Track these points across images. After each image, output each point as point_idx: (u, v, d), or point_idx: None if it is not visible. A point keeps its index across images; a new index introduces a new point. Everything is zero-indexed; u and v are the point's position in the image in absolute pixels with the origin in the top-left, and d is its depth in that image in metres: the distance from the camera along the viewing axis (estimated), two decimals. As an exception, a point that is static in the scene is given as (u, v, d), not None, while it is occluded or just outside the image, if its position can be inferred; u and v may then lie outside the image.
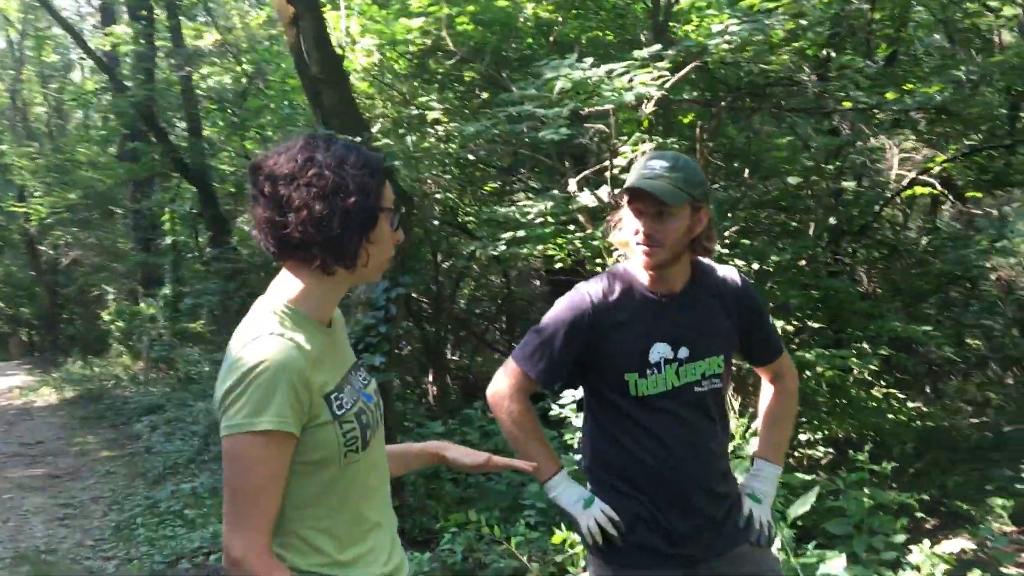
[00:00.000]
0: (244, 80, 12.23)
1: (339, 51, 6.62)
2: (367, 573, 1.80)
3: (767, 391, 2.63)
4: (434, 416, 8.24)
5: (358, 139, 5.94)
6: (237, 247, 11.73)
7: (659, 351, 2.35)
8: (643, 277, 2.40)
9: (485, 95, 7.80)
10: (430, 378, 11.19)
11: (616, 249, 5.76)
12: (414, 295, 9.17)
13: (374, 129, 6.68)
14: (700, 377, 2.38)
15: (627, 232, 2.36)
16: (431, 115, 6.75)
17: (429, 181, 8.10)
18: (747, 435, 3.84)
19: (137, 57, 11.99)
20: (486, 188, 9.12)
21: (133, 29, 11.96)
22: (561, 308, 2.43)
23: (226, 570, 1.68)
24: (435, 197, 8.46)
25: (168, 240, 14.41)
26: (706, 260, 2.48)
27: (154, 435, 10.49)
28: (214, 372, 12.34)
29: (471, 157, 7.36)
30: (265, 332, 1.67)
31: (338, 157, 1.73)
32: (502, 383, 2.49)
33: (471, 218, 8.65)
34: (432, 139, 6.68)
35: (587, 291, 2.41)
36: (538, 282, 12.65)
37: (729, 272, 2.50)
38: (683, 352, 2.36)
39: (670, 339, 2.35)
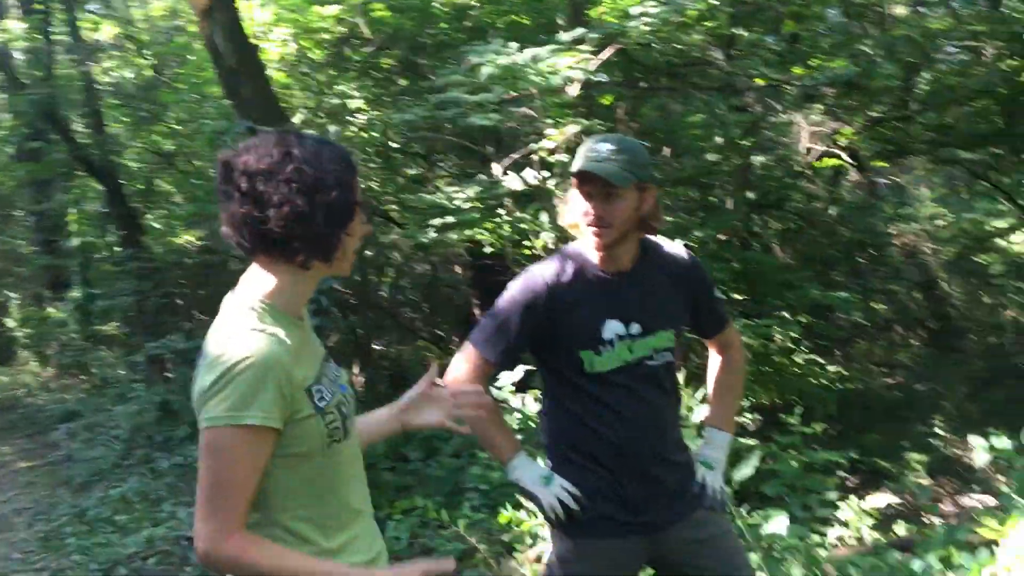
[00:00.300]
0: (149, 73, 11.88)
1: (254, 42, 6.52)
2: (354, 560, 1.82)
3: (715, 362, 2.73)
4: (364, 408, 8.21)
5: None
6: (150, 246, 11.41)
7: (612, 328, 2.42)
8: (593, 257, 2.46)
9: (404, 82, 7.78)
10: (356, 369, 11.15)
11: (544, 231, 5.85)
12: (336, 285, 9.11)
13: (294, 120, 6.61)
14: (652, 351, 2.45)
15: (576, 214, 2.41)
16: (352, 104, 6.70)
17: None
18: (691, 405, 3.97)
19: (33, 52, 11.52)
20: (407, 175, 9.09)
21: (28, 23, 11.49)
22: (515, 290, 2.47)
23: (199, 561, 1.70)
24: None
25: (75, 241, 13.92)
26: (654, 237, 2.57)
27: (74, 442, 10.18)
28: (131, 375, 12.06)
29: (394, 145, 7.34)
30: (246, 328, 1.68)
31: (314, 152, 1.73)
32: (460, 368, 2.52)
33: (394, 206, 8.62)
34: (354, 128, 6.64)
35: (540, 272, 2.46)
36: (460, 268, 12.69)
37: (676, 248, 2.59)
38: (635, 328, 2.43)
39: (622, 316, 2.42)
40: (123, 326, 13.79)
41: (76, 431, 10.65)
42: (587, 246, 2.46)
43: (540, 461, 2.64)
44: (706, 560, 2.47)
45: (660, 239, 2.59)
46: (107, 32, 12.24)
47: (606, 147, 2.34)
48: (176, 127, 10.82)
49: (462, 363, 2.52)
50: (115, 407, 11.01)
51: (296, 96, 7.56)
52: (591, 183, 2.34)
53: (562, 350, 2.44)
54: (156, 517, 6.89)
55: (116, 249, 12.78)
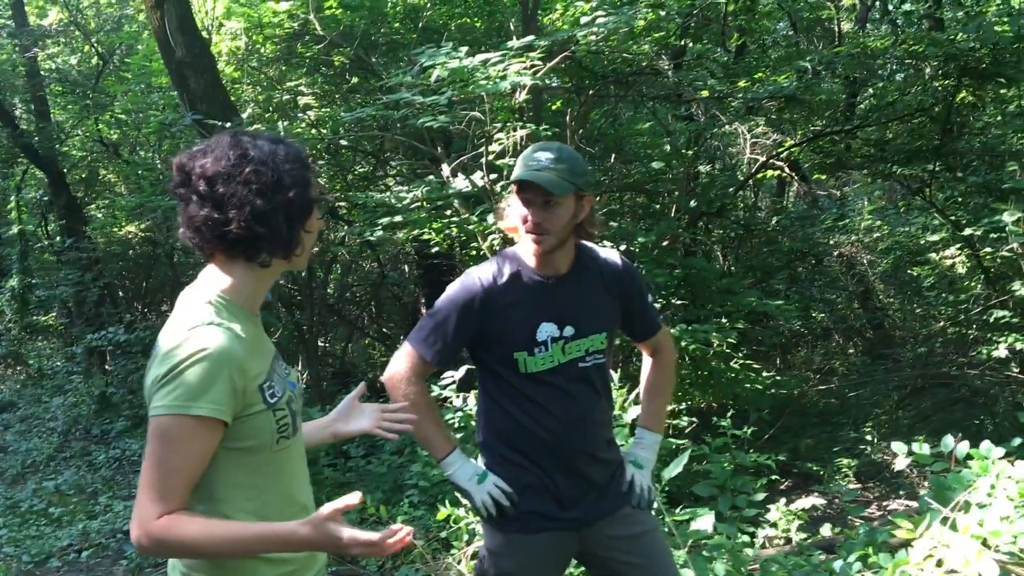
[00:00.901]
0: (95, 61, 11.70)
1: (205, 35, 6.49)
2: (296, 556, 1.86)
3: (647, 365, 2.82)
4: (308, 403, 8.21)
5: (227, 124, 5.87)
6: (92, 236, 11.23)
7: (546, 330, 2.50)
8: (530, 260, 2.53)
9: (355, 80, 7.79)
10: (300, 366, 11.10)
11: (490, 233, 5.92)
12: (282, 282, 9.08)
13: (244, 115, 6.59)
14: (584, 353, 2.54)
15: (515, 219, 2.49)
16: (302, 100, 6.70)
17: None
18: (626, 405, 4.07)
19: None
20: (355, 172, 9.10)
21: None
22: (453, 292, 2.54)
23: (135, 546, 1.72)
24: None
25: (14, 229, 13.62)
26: (589, 243, 2.65)
27: (8, 434, 10.00)
28: (69, 367, 11.85)
29: (343, 143, 7.35)
30: (203, 322, 1.71)
31: (269, 152, 1.78)
32: (399, 366, 2.57)
33: (342, 203, 8.62)
34: (304, 124, 6.64)
35: (478, 275, 2.53)
36: (408, 267, 12.70)
37: (611, 254, 2.68)
38: (568, 330, 2.51)
39: (556, 318, 2.51)
40: (62, 317, 13.56)
41: (11, 422, 10.47)
42: (525, 250, 2.54)
43: (479, 458, 2.70)
44: (631, 556, 2.56)
45: (595, 245, 2.67)
46: (53, 17, 12.03)
47: (546, 156, 2.41)
48: (122, 116, 10.68)
49: (400, 361, 2.57)
50: (52, 399, 10.84)
51: (246, 90, 7.53)
52: (531, 191, 2.41)
53: (497, 350, 2.52)
54: (92, 510, 6.84)
55: (57, 238, 12.57)
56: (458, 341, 2.53)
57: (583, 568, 2.77)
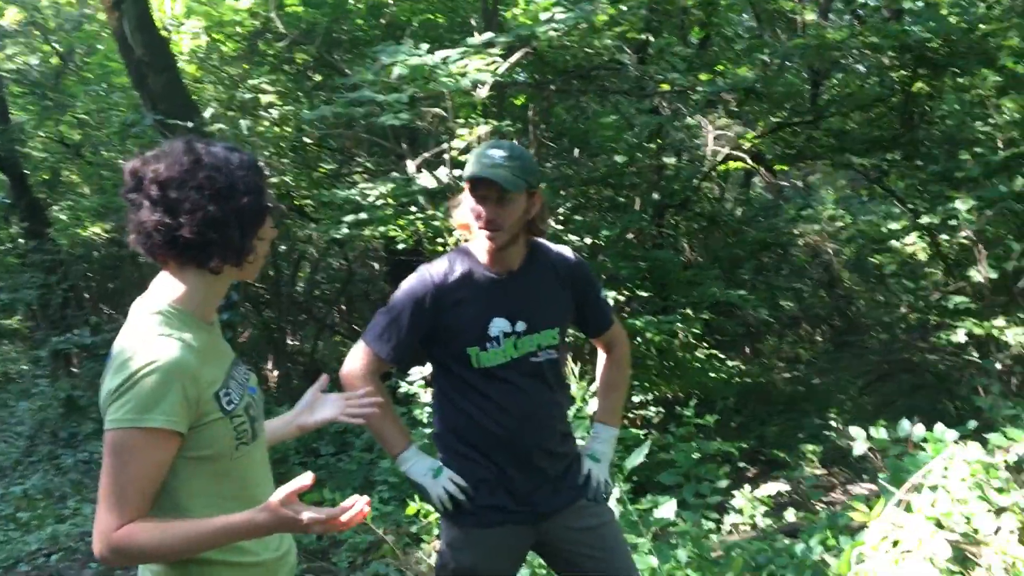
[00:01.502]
0: (55, 61, 11.57)
1: (164, 34, 6.45)
2: (263, 558, 1.88)
3: (602, 360, 2.86)
4: (278, 402, 8.20)
5: (189, 124, 5.85)
6: (55, 238, 11.12)
7: (498, 325, 2.52)
8: (483, 257, 2.56)
9: (318, 77, 7.78)
10: (270, 364, 11.07)
11: (455, 229, 5.96)
12: (250, 281, 9.05)
13: (206, 114, 6.56)
14: (537, 348, 2.56)
15: (467, 215, 2.51)
16: (264, 99, 6.69)
17: (264, 164, 8.01)
18: (586, 397, 4.12)
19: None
20: (321, 170, 9.08)
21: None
22: (405, 289, 2.57)
23: (98, 559, 1.73)
24: (271, 180, 8.37)
25: (-25, 232, 13.46)
26: (541, 240, 2.68)
27: (-27, 439, 9.88)
28: (35, 370, 11.71)
29: (307, 140, 7.34)
30: (154, 334, 1.72)
31: (223, 159, 1.78)
32: (354, 363, 2.58)
33: (308, 201, 8.61)
34: (267, 123, 6.62)
35: (429, 272, 2.55)
36: (377, 264, 12.69)
37: (563, 250, 2.71)
38: (520, 325, 2.54)
39: (508, 314, 2.53)
40: (26, 320, 13.41)
41: (-24, 427, 10.34)
42: (477, 247, 2.56)
43: (437, 454, 2.73)
44: (588, 548, 2.59)
45: (547, 242, 2.71)
46: (11, 17, 11.87)
47: (499, 153, 2.44)
48: (83, 116, 10.57)
49: (356, 358, 2.59)
50: (18, 403, 10.73)
51: (207, 89, 7.49)
52: (485, 188, 2.43)
53: (450, 346, 2.54)
54: (60, 514, 6.80)
55: (20, 241, 12.42)
56: (411, 337, 2.55)
57: (540, 562, 2.80)
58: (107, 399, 1.70)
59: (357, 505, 1.74)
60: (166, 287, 1.82)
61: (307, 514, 1.69)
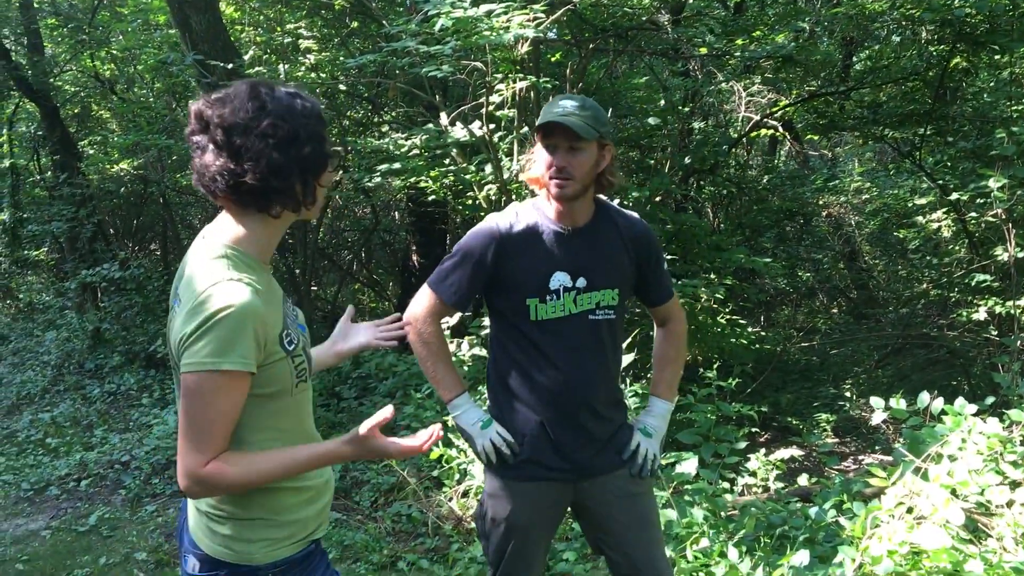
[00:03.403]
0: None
1: (206, -27, 6.47)
2: (314, 482, 2.00)
3: (659, 335, 2.83)
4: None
5: (229, 66, 5.90)
6: (85, 172, 11.21)
7: (559, 279, 2.55)
8: (549, 211, 2.59)
9: (354, 24, 7.79)
10: (292, 308, 11.19)
11: (486, 183, 6.01)
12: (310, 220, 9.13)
13: (245, 56, 6.60)
14: (595, 306, 2.59)
15: (540, 167, 2.54)
16: (302, 44, 6.71)
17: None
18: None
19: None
20: (352, 117, 9.12)
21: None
22: (471, 237, 2.60)
23: (185, 493, 1.85)
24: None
25: (6, 163, 13.57)
26: (613, 204, 2.72)
27: (1, 366, 10.10)
28: (61, 303, 11.88)
29: (342, 87, 7.37)
30: (224, 278, 1.77)
31: (287, 106, 1.81)
32: (418, 307, 2.63)
33: (339, 148, 8.66)
34: (303, 68, 6.66)
35: (496, 221, 2.59)
36: (398, 214, 12.75)
37: (633, 216, 2.71)
38: (581, 282, 2.56)
39: (570, 269, 2.56)
40: (53, 252, 13.57)
41: (3, 355, 10.56)
42: (543, 201, 2.60)
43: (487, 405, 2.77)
44: (621, 514, 2.64)
45: (619, 207, 2.73)
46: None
47: (571, 103, 2.48)
48: (116, 53, 10.61)
49: (420, 302, 2.65)
50: (44, 333, 10.92)
51: (246, 31, 7.52)
52: (556, 135, 2.46)
53: (511, 296, 2.57)
54: (88, 442, 6.97)
55: (48, 174, 12.53)
56: (473, 285, 2.59)
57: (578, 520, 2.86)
58: (182, 343, 1.77)
59: (433, 431, 1.92)
60: (228, 229, 1.87)
61: (395, 445, 1.90)
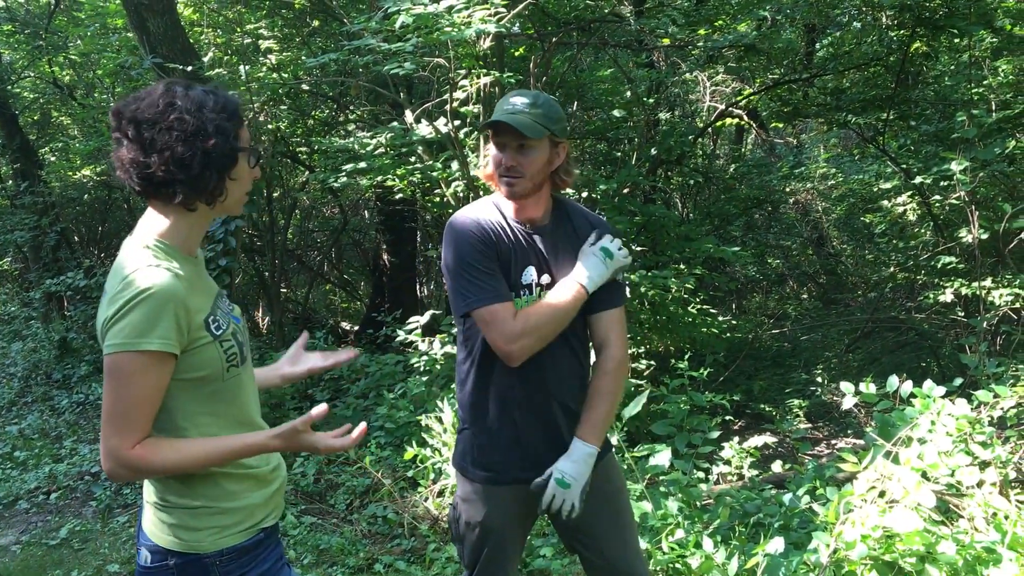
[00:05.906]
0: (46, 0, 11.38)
1: (163, -25, 6.37)
2: (259, 471, 2.04)
3: (595, 364, 2.61)
4: (275, 348, 8.27)
5: (188, 68, 5.82)
6: (47, 180, 11.04)
7: (529, 274, 2.52)
8: (507, 209, 2.55)
9: (315, 23, 7.72)
10: (261, 312, 11.11)
11: (453, 180, 5.98)
12: (242, 228, 9.05)
13: (204, 58, 6.51)
14: None
15: (492, 165, 2.52)
16: (263, 44, 6.64)
17: (260, 110, 7.98)
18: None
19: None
20: (315, 117, 9.05)
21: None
22: (465, 239, 2.47)
23: (108, 476, 1.87)
24: (267, 127, 8.35)
25: (-35, 173, 13.33)
26: (572, 201, 2.68)
27: (-34, 380, 9.92)
28: (28, 313, 11.68)
29: (305, 87, 7.30)
30: (144, 264, 1.84)
31: (197, 102, 1.89)
32: (505, 326, 2.42)
33: (303, 149, 8.59)
34: (265, 68, 6.58)
35: (476, 216, 2.52)
36: (367, 213, 12.69)
37: (588, 213, 2.68)
38: (546, 278, 2.53)
39: (536, 265, 2.53)
40: (16, 262, 13.36)
41: (-32, 368, 10.37)
42: (501, 198, 2.56)
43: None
44: (595, 513, 2.59)
45: (580, 206, 2.69)
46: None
47: (521, 100, 2.45)
48: (75, 58, 10.45)
49: (502, 323, 2.43)
50: (10, 344, 10.75)
51: (206, 33, 7.43)
52: (505, 134, 2.44)
53: None
54: (57, 454, 6.86)
55: (10, 182, 12.33)
56: (498, 271, 2.48)
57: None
58: (104, 326, 1.82)
59: (358, 428, 2.01)
60: (152, 222, 1.95)
61: (323, 442, 1.97)
